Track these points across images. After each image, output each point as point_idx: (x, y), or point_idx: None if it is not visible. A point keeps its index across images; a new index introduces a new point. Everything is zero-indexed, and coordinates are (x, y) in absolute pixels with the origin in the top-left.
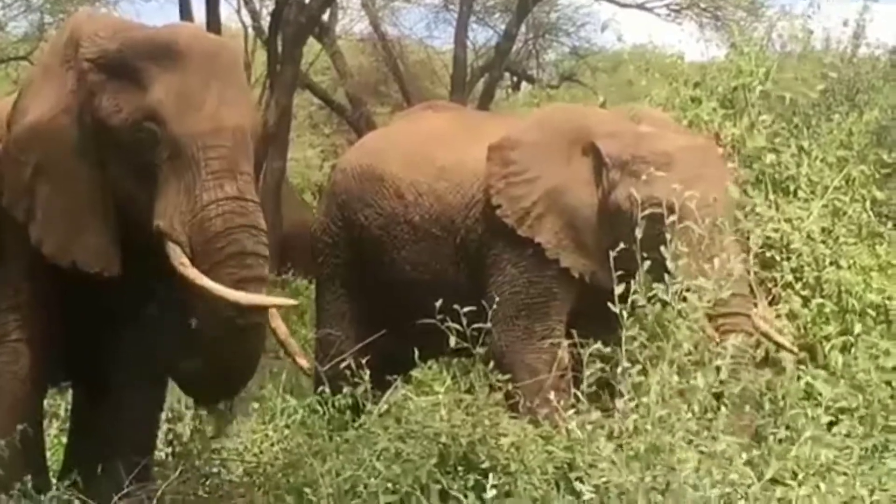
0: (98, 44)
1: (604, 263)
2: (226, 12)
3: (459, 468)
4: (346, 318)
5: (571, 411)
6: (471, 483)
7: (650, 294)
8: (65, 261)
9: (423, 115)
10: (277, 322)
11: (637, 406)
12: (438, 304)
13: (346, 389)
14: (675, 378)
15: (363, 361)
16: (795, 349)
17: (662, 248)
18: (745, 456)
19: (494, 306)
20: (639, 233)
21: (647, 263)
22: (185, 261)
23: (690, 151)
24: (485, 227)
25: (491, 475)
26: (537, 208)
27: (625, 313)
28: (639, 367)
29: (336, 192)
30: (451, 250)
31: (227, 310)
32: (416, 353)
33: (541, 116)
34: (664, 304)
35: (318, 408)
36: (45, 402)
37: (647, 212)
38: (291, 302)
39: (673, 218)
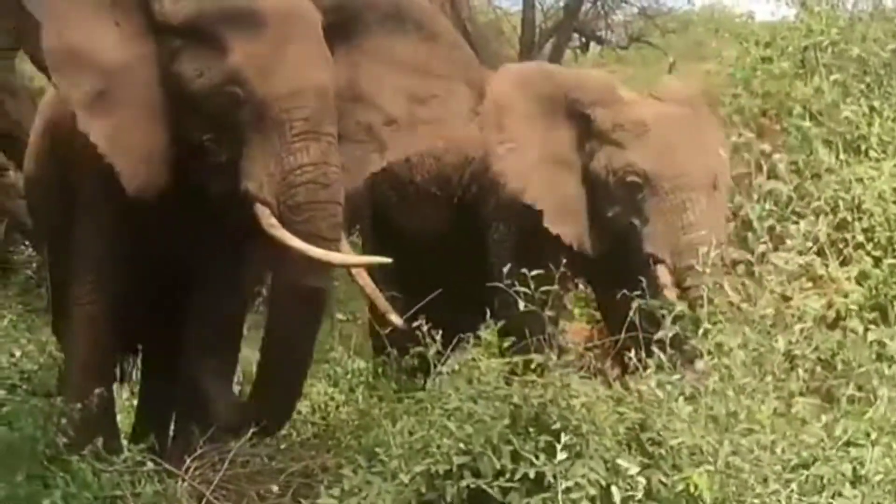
0: (178, 8)
1: (587, 229)
2: None
3: (531, 429)
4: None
5: (649, 371)
6: (542, 444)
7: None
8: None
9: None
10: (365, 279)
11: (716, 367)
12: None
13: (413, 350)
14: (756, 340)
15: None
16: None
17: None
18: (822, 418)
19: (492, 270)
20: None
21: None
22: (274, 222)
23: (668, 120)
24: (478, 187)
25: (559, 437)
26: (535, 175)
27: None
28: (720, 327)
29: None
30: (450, 210)
31: (287, 296)
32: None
33: (521, 75)
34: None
35: (387, 369)
36: (118, 365)
37: (625, 179)
38: (384, 260)
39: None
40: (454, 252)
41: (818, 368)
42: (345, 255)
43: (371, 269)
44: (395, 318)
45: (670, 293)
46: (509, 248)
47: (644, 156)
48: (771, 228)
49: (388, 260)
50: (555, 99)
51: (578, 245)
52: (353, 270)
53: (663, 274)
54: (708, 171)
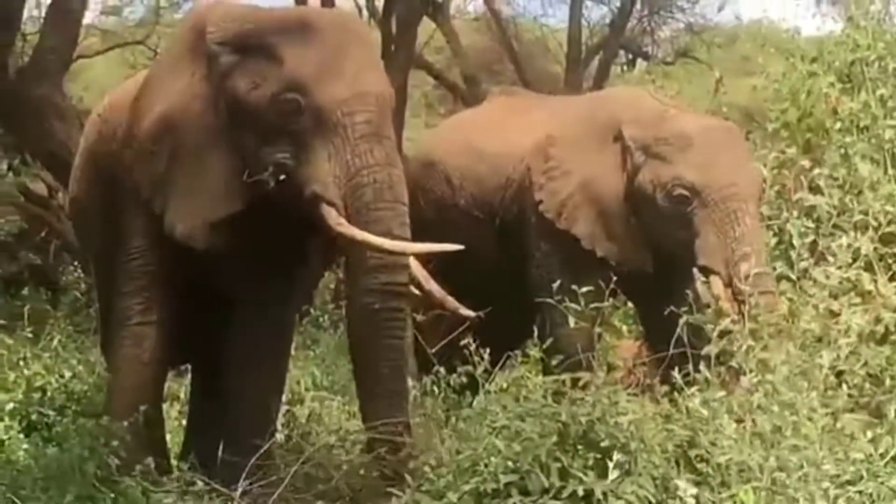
0: (226, 28)
1: (635, 248)
2: None
3: (579, 447)
4: None
5: (694, 388)
6: (591, 462)
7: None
8: (199, 244)
9: (493, 101)
10: (431, 284)
11: (760, 383)
12: None
13: (460, 368)
14: (800, 356)
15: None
16: None
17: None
18: (868, 433)
19: (537, 289)
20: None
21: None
22: (342, 220)
23: (711, 132)
24: (519, 208)
25: (608, 454)
26: (573, 200)
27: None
28: (763, 343)
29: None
30: (492, 232)
31: (367, 295)
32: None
33: (582, 104)
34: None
35: (434, 388)
36: (166, 384)
37: (672, 193)
38: (456, 246)
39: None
40: (497, 272)
41: (866, 384)
42: (414, 244)
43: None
44: (467, 312)
45: (725, 305)
46: (555, 266)
47: (690, 168)
48: (813, 244)
49: (461, 247)
50: (604, 124)
51: (627, 265)
52: (419, 274)
53: (717, 286)
54: (754, 181)
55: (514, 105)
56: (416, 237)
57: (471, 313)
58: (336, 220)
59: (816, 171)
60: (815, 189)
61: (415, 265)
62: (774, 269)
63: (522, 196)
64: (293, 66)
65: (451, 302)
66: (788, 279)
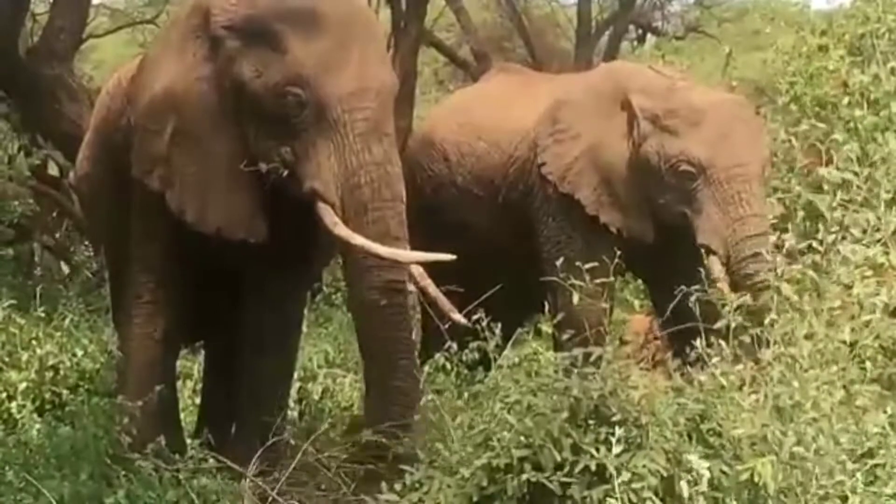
0: (232, 11)
1: (639, 217)
2: None
3: (590, 421)
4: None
5: (715, 359)
6: (602, 436)
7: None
8: (209, 228)
9: (491, 78)
10: (426, 281)
11: (780, 357)
12: None
13: (472, 344)
14: (823, 330)
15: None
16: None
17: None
18: (882, 406)
19: (545, 266)
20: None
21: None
22: (338, 220)
23: (722, 107)
24: (525, 185)
25: (619, 428)
26: (578, 164)
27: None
28: (787, 316)
29: (406, 158)
30: (493, 210)
31: (369, 293)
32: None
33: (588, 76)
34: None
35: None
36: (178, 362)
37: (678, 168)
38: (448, 257)
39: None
40: (504, 250)
41: (879, 357)
42: (410, 252)
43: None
44: (458, 317)
45: (723, 286)
46: (562, 242)
47: (698, 144)
48: (836, 220)
49: (452, 257)
50: (611, 93)
51: (629, 233)
52: (415, 271)
53: (716, 266)
54: (761, 160)
55: (514, 81)
56: (413, 220)
57: (461, 318)
58: (332, 219)
59: (847, 146)
60: (827, 163)
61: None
62: (783, 243)
63: (528, 172)
64: (296, 59)
65: (443, 301)
66: (814, 253)
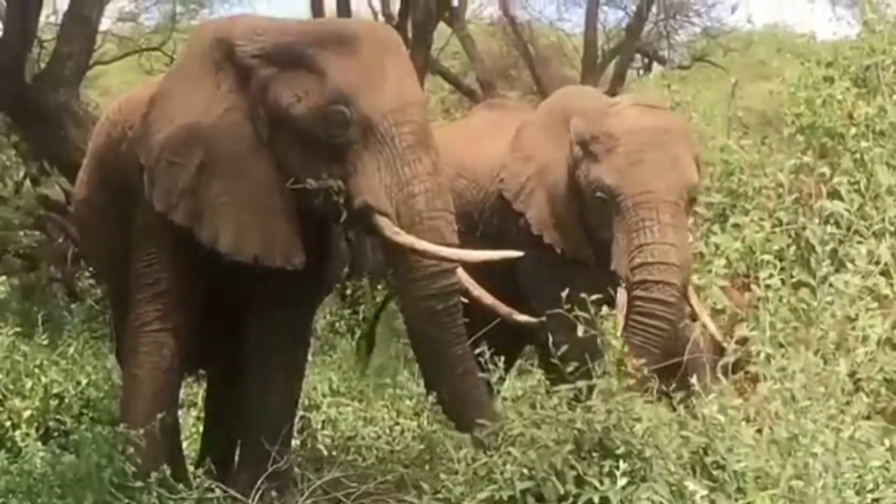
0: (259, 40)
1: (577, 238)
2: None
3: (594, 454)
4: None
5: (712, 395)
6: (606, 469)
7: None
8: (246, 257)
9: (475, 114)
10: (480, 291)
11: (779, 391)
12: None
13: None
14: (819, 363)
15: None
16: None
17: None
18: (887, 442)
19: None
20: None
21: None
22: (398, 229)
23: (640, 133)
24: (500, 220)
25: (623, 461)
26: (529, 184)
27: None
28: (782, 351)
29: None
30: (473, 246)
31: (425, 300)
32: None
33: (548, 100)
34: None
35: None
36: (182, 390)
37: (595, 194)
38: (516, 253)
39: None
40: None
41: (883, 390)
42: (474, 251)
43: None
44: (521, 317)
45: (620, 317)
46: (542, 275)
47: (610, 172)
48: (833, 251)
49: (520, 253)
50: (561, 115)
51: (569, 254)
52: (468, 283)
53: (621, 295)
54: (675, 185)
55: (495, 117)
56: None
57: (525, 318)
58: (392, 230)
59: (836, 179)
60: (833, 194)
61: (461, 273)
62: (791, 276)
63: (501, 208)
64: (337, 78)
65: (501, 307)
66: (807, 285)
